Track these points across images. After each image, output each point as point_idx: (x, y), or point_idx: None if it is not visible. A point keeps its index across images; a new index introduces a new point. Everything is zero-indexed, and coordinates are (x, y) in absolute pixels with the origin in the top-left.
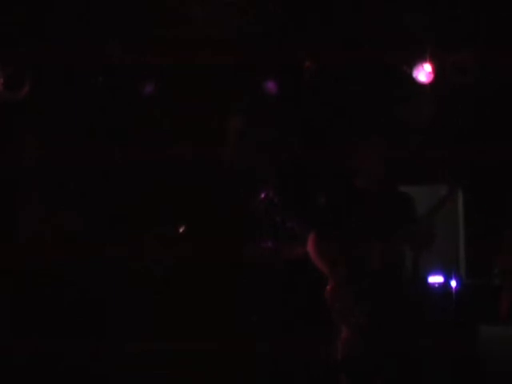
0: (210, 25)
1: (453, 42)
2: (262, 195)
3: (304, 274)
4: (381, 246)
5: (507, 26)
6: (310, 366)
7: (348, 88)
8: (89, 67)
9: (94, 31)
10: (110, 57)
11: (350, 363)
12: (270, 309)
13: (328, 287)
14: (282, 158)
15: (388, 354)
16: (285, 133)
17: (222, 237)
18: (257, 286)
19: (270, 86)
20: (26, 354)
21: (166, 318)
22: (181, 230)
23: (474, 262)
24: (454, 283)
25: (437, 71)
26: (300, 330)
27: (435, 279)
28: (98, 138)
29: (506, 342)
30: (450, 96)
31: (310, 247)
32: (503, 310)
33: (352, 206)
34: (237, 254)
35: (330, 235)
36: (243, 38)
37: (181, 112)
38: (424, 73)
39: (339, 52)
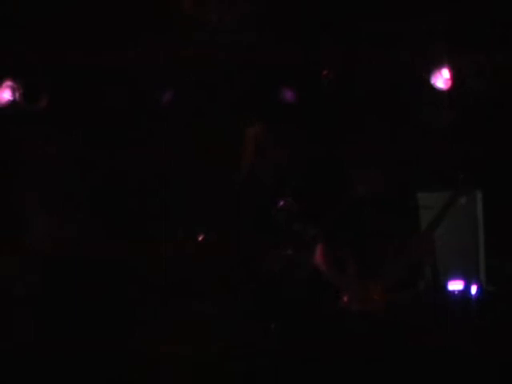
0: (224, 29)
1: (469, 45)
2: (281, 203)
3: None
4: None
5: None
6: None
7: (364, 95)
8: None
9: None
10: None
11: None
12: (288, 317)
13: (344, 297)
14: (300, 166)
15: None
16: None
17: (240, 244)
18: (276, 294)
19: (289, 94)
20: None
21: (180, 322)
22: (200, 238)
23: (494, 268)
24: (474, 290)
25: (455, 76)
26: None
27: (455, 286)
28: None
29: None
30: (467, 100)
31: (319, 258)
32: None
33: (354, 214)
34: (255, 261)
35: (338, 244)
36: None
37: (196, 121)
38: (442, 79)
39: (355, 56)
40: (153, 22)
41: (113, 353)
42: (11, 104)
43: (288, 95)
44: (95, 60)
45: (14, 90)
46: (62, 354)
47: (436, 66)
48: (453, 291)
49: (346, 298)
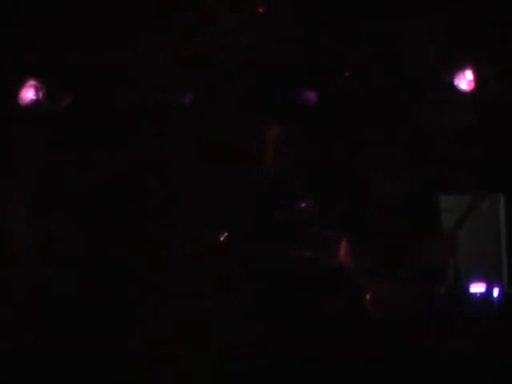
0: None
1: (495, 49)
2: (303, 204)
3: (341, 283)
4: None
5: None
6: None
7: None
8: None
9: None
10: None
11: None
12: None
13: (368, 296)
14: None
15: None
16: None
17: (258, 245)
18: (294, 296)
19: (306, 94)
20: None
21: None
22: (222, 238)
23: None
24: (496, 292)
25: (478, 80)
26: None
27: (476, 288)
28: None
29: None
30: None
31: (344, 253)
32: None
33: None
34: (273, 263)
35: (362, 242)
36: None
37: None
38: (465, 80)
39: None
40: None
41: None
42: (34, 103)
43: (306, 95)
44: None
45: (37, 90)
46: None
47: (459, 67)
48: (474, 294)
49: (369, 297)
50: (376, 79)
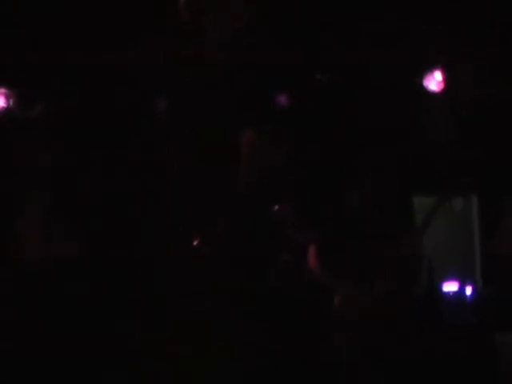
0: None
1: (469, 47)
2: (276, 207)
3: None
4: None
5: None
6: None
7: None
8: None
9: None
10: None
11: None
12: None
13: (336, 300)
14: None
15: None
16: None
17: (235, 250)
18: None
19: (282, 99)
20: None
21: (180, 322)
22: (195, 243)
23: (490, 269)
24: (469, 291)
25: (450, 80)
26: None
27: (449, 287)
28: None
29: None
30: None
31: (312, 259)
32: None
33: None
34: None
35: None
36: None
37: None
38: (434, 82)
39: (355, 56)
40: (153, 22)
41: (113, 353)
42: (5, 111)
43: (283, 100)
44: (95, 60)
45: (7, 98)
46: (61, 353)
47: (429, 68)
48: (447, 293)
49: (337, 300)
50: (358, 84)
